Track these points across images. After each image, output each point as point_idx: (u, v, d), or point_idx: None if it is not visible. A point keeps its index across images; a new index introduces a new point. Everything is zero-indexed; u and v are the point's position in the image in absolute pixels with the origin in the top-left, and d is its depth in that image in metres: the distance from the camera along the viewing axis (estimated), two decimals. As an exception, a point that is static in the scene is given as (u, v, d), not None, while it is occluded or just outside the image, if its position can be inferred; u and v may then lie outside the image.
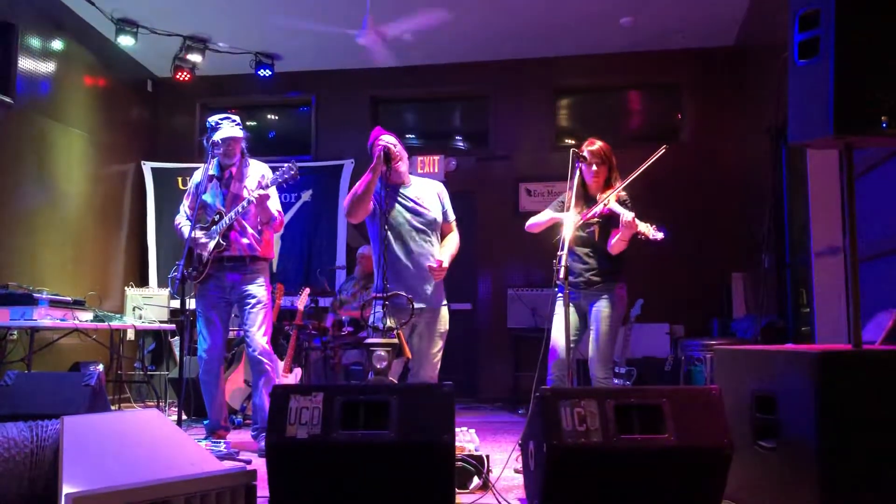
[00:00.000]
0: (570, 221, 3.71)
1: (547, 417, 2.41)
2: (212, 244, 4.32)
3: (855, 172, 2.71)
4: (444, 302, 3.85)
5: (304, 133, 8.53)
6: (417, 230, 3.75)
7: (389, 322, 3.34)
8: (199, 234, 4.34)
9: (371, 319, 3.53)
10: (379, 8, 6.47)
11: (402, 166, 3.78)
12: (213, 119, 4.43)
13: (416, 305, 3.59)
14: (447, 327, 3.82)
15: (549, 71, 8.00)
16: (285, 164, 4.25)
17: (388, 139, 3.73)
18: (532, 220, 4.16)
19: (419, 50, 7.62)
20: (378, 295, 3.43)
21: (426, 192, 3.85)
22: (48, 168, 6.59)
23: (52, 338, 5.79)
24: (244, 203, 4.29)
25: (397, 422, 2.42)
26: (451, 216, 3.94)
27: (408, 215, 3.75)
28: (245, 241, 4.36)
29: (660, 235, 3.61)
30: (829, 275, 4.63)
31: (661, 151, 3.85)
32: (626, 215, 3.70)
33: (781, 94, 2.75)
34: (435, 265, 3.65)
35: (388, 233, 3.63)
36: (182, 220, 4.55)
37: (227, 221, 4.31)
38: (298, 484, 2.47)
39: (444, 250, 3.81)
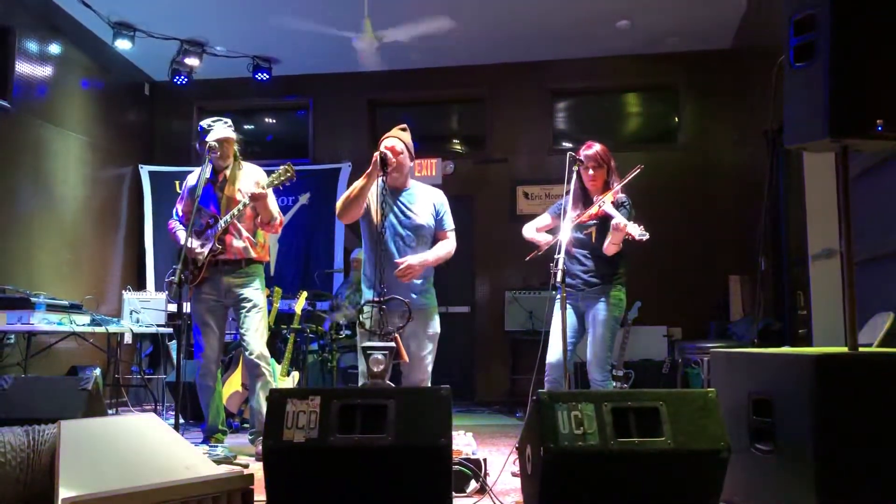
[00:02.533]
0: (566, 226, 3.73)
1: (544, 421, 2.41)
2: (207, 248, 4.31)
3: (851, 175, 2.71)
4: (434, 305, 3.83)
5: (302, 136, 8.53)
6: (403, 235, 3.73)
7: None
8: (193, 237, 4.34)
9: (367, 324, 3.53)
10: (379, 14, 6.47)
11: (404, 170, 3.78)
12: (205, 122, 4.43)
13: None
14: (437, 330, 3.79)
15: (546, 74, 8.01)
16: (282, 166, 4.25)
17: (393, 141, 3.73)
18: (525, 231, 4.18)
19: (416, 53, 7.62)
20: (374, 299, 3.43)
21: (420, 199, 3.82)
22: (45, 172, 6.59)
23: (49, 342, 5.78)
24: (239, 206, 4.29)
25: (395, 425, 2.41)
26: (448, 225, 3.86)
27: (395, 220, 3.74)
28: (240, 244, 4.36)
29: (645, 236, 3.63)
30: (826, 277, 4.64)
31: (637, 170, 3.94)
32: (616, 218, 3.72)
33: (777, 97, 2.75)
34: (403, 262, 3.62)
35: (381, 235, 3.62)
36: (176, 224, 4.54)
37: (222, 225, 4.30)
38: (296, 488, 2.47)
39: (428, 252, 3.78)
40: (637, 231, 3.63)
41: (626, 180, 3.95)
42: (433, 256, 3.76)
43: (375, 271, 3.55)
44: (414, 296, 3.68)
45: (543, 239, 4.07)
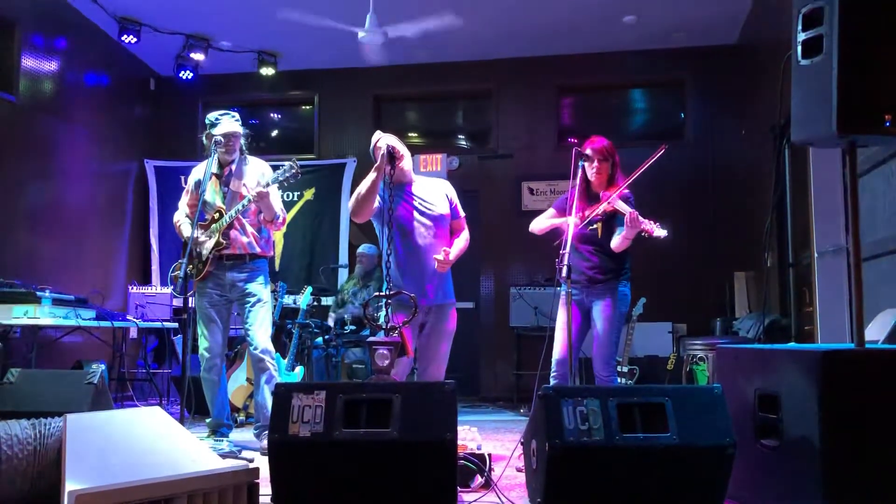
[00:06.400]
0: (572, 221, 3.72)
1: (549, 416, 2.41)
2: (211, 242, 4.32)
3: (858, 171, 2.70)
4: (453, 300, 3.84)
5: (307, 131, 8.53)
6: (426, 227, 3.72)
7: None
8: (198, 232, 4.34)
9: (375, 318, 3.53)
10: (384, 9, 6.45)
11: (407, 165, 3.76)
12: (212, 115, 4.42)
13: (424, 304, 3.59)
14: (455, 326, 3.81)
15: (552, 69, 8.00)
16: (286, 163, 4.24)
17: (391, 139, 3.72)
18: (535, 224, 4.17)
19: (422, 48, 7.62)
20: (382, 293, 3.42)
21: (433, 190, 3.83)
22: (50, 166, 6.60)
23: (55, 336, 5.80)
24: (244, 201, 4.29)
25: (400, 420, 2.41)
26: (462, 213, 3.92)
27: (416, 213, 3.73)
28: (245, 239, 4.36)
29: (663, 233, 3.61)
30: (832, 274, 4.62)
31: (661, 151, 3.87)
32: (629, 214, 3.70)
33: (784, 93, 2.74)
34: (441, 256, 3.63)
35: (396, 231, 3.62)
36: (181, 218, 4.54)
37: (227, 220, 4.30)
38: (301, 482, 2.47)
39: (456, 245, 3.80)
40: (655, 227, 3.61)
41: (650, 162, 3.86)
42: (459, 249, 3.79)
43: (386, 268, 3.53)
44: (436, 291, 3.70)
45: (556, 222, 4.03)
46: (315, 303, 6.52)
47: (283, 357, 5.64)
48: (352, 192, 3.91)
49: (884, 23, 2.44)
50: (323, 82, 8.37)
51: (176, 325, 6.54)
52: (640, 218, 3.66)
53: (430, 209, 3.76)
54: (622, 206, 3.80)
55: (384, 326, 3.14)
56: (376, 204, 3.70)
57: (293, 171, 4.22)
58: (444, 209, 3.80)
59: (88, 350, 6.35)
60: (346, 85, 8.29)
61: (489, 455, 3.23)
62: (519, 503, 2.91)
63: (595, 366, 3.94)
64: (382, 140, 3.69)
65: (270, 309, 4.51)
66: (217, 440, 4.29)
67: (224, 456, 3.94)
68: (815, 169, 4.82)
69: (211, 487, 2.18)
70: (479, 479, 3.14)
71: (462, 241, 3.85)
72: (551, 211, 4.16)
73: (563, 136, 8.12)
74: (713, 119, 7.74)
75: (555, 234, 4.02)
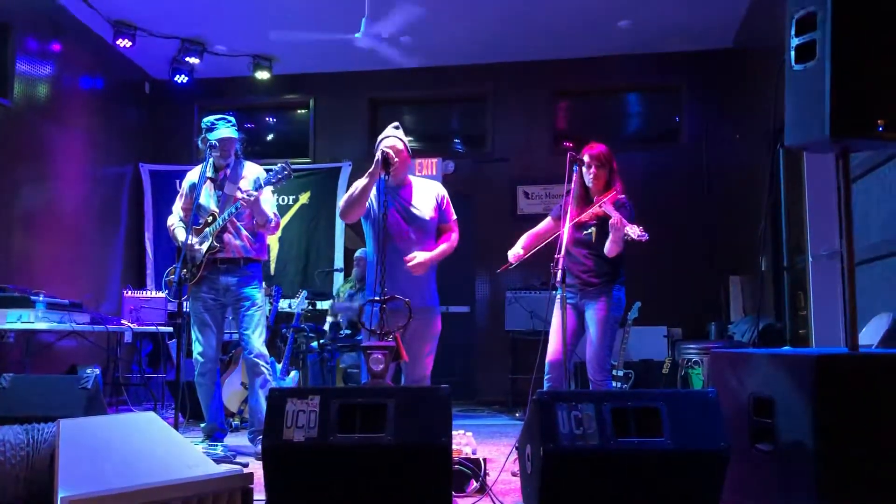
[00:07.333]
0: (566, 226, 3.73)
1: (544, 420, 2.40)
2: (205, 246, 4.31)
3: (852, 175, 2.71)
4: (437, 303, 3.85)
5: (303, 135, 8.52)
6: (409, 232, 3.73)
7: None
8: (192, 235, 4.33)
9: (368, 322, 3.52)
10: (374, 8, 6.46)
11: (405, 167, 3.77)
12: (208, 119, 4.42)
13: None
14: (439, 328, 3.81)
15: (548, 73, 8.01)
16: (278, 164, 4.24)
17: (392, 141, 3.72)
18: (517, 246, 4.17)
19: (418, 52, 7.62)
20: (375, 298, 3.42)
21: (422, 195, 3.83)
22: (45, 170, 6.58)
23: (49, 340, 5.78)
24: (236, 204, 4.28)
25: (394, 425, 2.41)
26: (452, 217, 3.90)
27: (402, 217, 3.74)
28: (239, 242, 4.35)
29: (644, 237, 3.62)
30: (827, 278, 4.63)
31: (612, 193, 3.96)
32: (613, 217, 3.71)
33: (779, 97, 2.75)
34: (411, 261, 3.62)
35: (385, 233, 3.61)
36: (175, 222, 4.53)
37: (221, 223, 4.29)
38: (295, 487, 2.46)
39: (436, 250, 3.79)
40: (635, 231, 3.62)
41: (604, 199, 3.92)
42: (439, 252, 3.78)
43: (378, 270, 3.53)
44: (421, 295, 3.69)
45: (517, 253, 4.08)
46: (310, 307, 6.51)
47: (278, 361, 5.64)
48: (347, 195, 3.90)
49: (877, 28, 2.45)
50: (318, 86, 8.36)
51: (170, 329, 6.52)
52: (624, 221, 3.68)
53: (416, 214, 3.76)
54: (611, 211, 3.81)
55: (378, 331, 3.14)
56: (364, 206, 3.71)
57: (285, 171, 4.21)
58: (428, 214, 3.79)
59: (83, 354, 6.33)
60: (342, 88, 8.29)
61: (484, 460, 3.23)
62: (514, 508, 2.91)
63: (589, 370, 3.94)
64: (384, 142, 3.70)
65: (265, 313, 4.50)
66: (211, 445, 4.28)
67: (218, 461, 3.92)
68: (810, 173, 4.84)
69: (205, 493, 2.18)
70: (474, 484, 3.14)
71: (446, 244, 3.84)
72: (547, 221, 4.18)
73: (559, 140, 8.13)
74: (709, 123, 7.75)
75: (551, 238, 4.03)
